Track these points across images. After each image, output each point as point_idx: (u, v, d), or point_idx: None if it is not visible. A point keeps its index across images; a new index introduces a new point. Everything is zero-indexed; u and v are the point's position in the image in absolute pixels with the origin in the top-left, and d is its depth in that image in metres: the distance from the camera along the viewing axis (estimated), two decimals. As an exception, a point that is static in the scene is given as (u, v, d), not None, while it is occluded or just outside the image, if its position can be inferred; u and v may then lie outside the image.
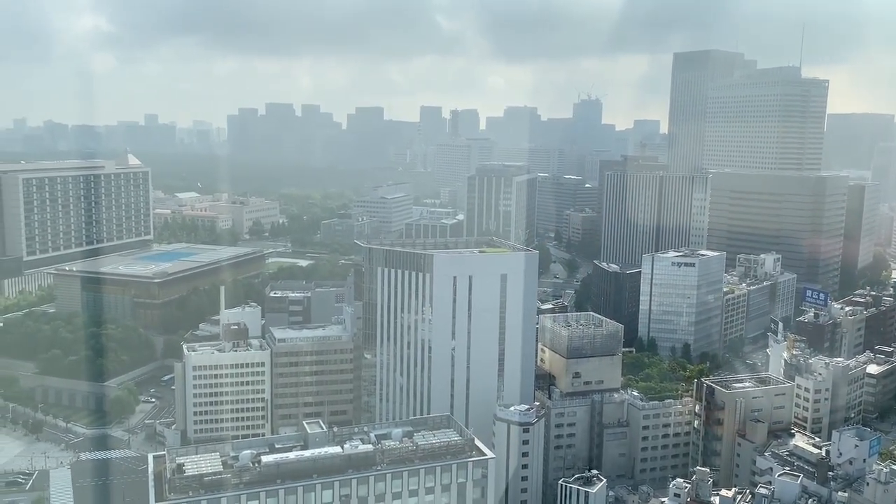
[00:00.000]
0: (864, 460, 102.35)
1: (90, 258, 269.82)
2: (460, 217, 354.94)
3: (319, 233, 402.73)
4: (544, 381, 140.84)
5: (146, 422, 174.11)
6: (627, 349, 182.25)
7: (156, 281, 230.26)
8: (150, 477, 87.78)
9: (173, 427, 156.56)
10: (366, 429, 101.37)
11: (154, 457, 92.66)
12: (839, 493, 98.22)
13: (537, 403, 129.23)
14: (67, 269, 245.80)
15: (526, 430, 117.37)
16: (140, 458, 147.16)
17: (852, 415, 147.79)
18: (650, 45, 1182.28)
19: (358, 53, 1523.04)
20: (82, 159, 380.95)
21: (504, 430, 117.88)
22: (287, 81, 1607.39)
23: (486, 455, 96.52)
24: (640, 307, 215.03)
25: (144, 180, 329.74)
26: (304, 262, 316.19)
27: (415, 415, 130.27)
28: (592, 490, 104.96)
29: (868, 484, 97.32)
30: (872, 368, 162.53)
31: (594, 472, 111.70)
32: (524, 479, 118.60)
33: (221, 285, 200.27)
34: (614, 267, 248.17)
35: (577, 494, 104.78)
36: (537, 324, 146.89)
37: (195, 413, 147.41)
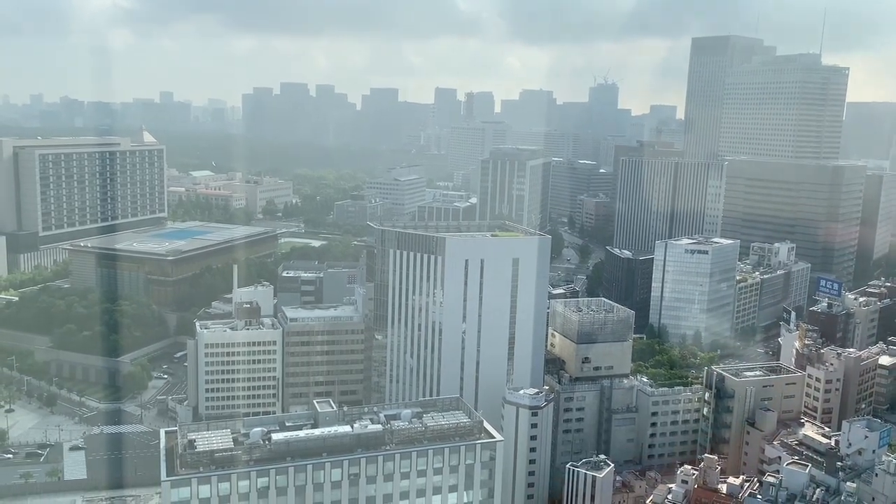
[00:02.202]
0: (874, 451, 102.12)
1: (105, 234, 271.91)
2: (473, 200, 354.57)
3: (332, 213, 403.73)
4: (554, 365, 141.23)
5: (158, 397, 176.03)
6: (638, 335, 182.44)
7: (169, 258, 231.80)
8: (162, 452, 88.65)
9: (185, 403, 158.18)
10: (375, 409, 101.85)
11: (166, 432, 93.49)
12: (847, 483, 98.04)
13: (546, 387, 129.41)
14: (82, 245, 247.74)
15: (535, 414, 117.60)
16: (152, 433, 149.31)
17: (863, 406, 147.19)
18: (668, 29, 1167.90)
19: (374, 34, 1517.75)
20: (98, 136, 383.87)
21: (513, 413, 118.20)
22: (302, 61, 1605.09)
23: (494, 437, 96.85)
24: (652, 294, 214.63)
25: (159, 158, 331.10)
26: (316, 243, 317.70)
27: (424, 396, 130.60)
28: (600, 474, 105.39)
29: (877, 475, 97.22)
30: (885, 360, 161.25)
31: (602, 456, 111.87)
32: (532, 462, 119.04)
33: (234, 264, 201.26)
34: (627, 253, 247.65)
35: (585, 479, 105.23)
36: (548, 308, 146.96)
37: (207, 390, 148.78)
